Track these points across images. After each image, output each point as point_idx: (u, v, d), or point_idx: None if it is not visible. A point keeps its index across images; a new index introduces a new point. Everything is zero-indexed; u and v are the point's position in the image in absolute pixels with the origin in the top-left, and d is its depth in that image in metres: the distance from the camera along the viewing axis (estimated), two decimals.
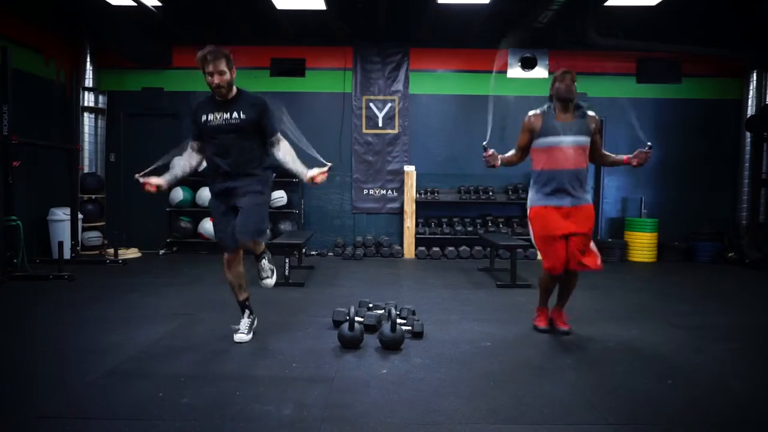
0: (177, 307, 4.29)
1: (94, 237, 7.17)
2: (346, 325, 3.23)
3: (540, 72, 7.77)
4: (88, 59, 7.42)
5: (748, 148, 7.48)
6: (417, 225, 7.57)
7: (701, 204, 7.80)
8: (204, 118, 3.11)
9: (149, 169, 3.24)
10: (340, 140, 7.81)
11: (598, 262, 3.49)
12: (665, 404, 2.46)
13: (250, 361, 3.01)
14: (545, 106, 3.49)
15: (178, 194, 7.36)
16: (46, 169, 6.82)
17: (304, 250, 6.81)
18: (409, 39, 7.64)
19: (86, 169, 7.31)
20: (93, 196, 7.30)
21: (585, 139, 3.41)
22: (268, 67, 7.75)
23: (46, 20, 6.76)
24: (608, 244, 7.51)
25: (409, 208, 7.52)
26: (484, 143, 3.50)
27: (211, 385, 2.61)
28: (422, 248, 7.46)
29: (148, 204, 7.28)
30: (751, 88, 7.45)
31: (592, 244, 3.50)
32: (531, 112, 3.51)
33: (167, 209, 7.46)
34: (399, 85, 7.79)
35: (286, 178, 7.46)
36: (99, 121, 7.52)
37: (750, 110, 7.46)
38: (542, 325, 3.67)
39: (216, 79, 2.99)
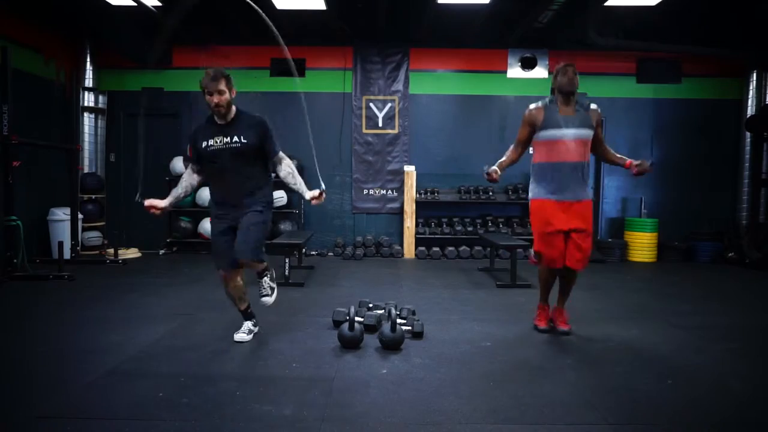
0: (177, 307, 4.29)
1: (94, 237, 7.17)
2: (346, 325, 3.23)
3: (540, 72, 7.78)
4: (88, 59, 7.42)
5: (748, 148, 7.48)
6: (417, 225, 7.57)
7: (701, 204, 7.80)
8: (204, 144, 3.10)
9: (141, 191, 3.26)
10: (340, 140, 7.81)
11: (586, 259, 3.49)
12: (665, 404, 2.46)
13: (250, 361, 3.01)
14: (547, 99, 3.49)
15: None
16: (46, 169, 6.82)
17: (304, 250, 6.81)
18: (409, 39, 7.64)
19: (86, 169, 7.31)
20: (93, 196, 7.30)
21: (587, 132, 3.41)
22: (268, 67, 7.75)
23: (46, 20, 6.76)
24: (608, 244, 7.51)
25: (409, 208, 7.52)
26: (485, 167, 3.49)
27: (211, 385, 2.61)
28: (422, 248, 7.46)
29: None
30: (751, 88, 7.45)
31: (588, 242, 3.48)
32: (532, 105, 3.50)
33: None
34: (399, 85, 7.79)
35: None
36: (99, 121, 7.52)
37: (750, 110, 7.46)
38: (542, 325, 3.67)
39: (215, 99, 3.00)
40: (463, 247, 7.38)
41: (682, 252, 7.48)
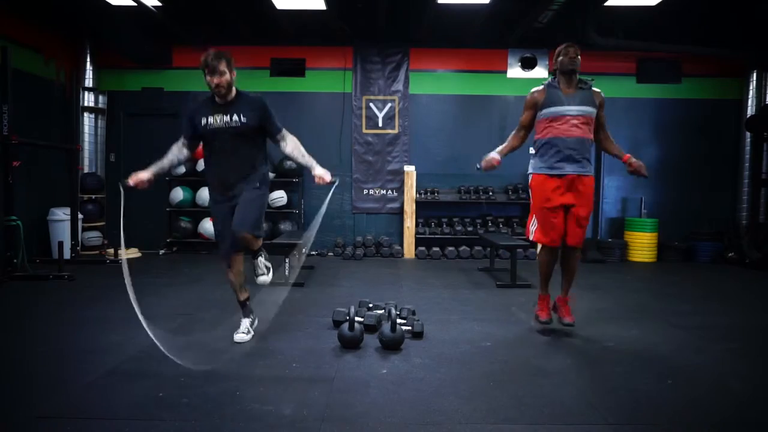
0: (177, 307, 4.29)
1: (94, 237, 7.17)
2: (346, 325, 3.23)
3: (540, 72, 7.78)
4: (88, 59, 7.43)
5: (748, 148, 7.49)
6: (417, 225, 7.57)
7: (701, 204, 7.80)
8: (204, 121, 3.11)
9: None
10: (340, 140, 7.82)
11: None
12: (665, 404, 2.46)
13: (250, 361, 3.00)
14: (548, 80, 3.49)
15: (178, 194, 7.37)
16: (46, 169, 6.82)
17: (304, 249, 6.80)
18: (409, 39, 7.64)
19: (86, 169, 7.32)
20: (93, 196, 7.30)
21: (590, 110, 3.39)
22: (268, 67, 7.75)
23: (46, 20, 6.76)
24: (608, 244, 7.51)
25: (409, 208, 7.52)
26: (477, 165, 3.51)
27: (211, 385, 2.61)
28: (422, 248, 7.46)
29: (148, 204, 7.28)
30: (751, 88, 7.45)
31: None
32: (533, 89, 3.51)
33: (167, 209, 7.47)
34: (399, 85, 7.79)
35: (286, 178, 7.48)
36: (99, 121, 7.52)
37: (750, 110, 7.46)
38: (544, 316, 3.59)
39: (216, 79, 3.00)
40: (463, 247, 7.38)
41: (682, 252, 7.48)
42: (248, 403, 2.38)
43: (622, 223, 7.75)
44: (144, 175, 3.12)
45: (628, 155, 3.48)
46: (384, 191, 7.88)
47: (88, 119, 7.39)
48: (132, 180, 3.12)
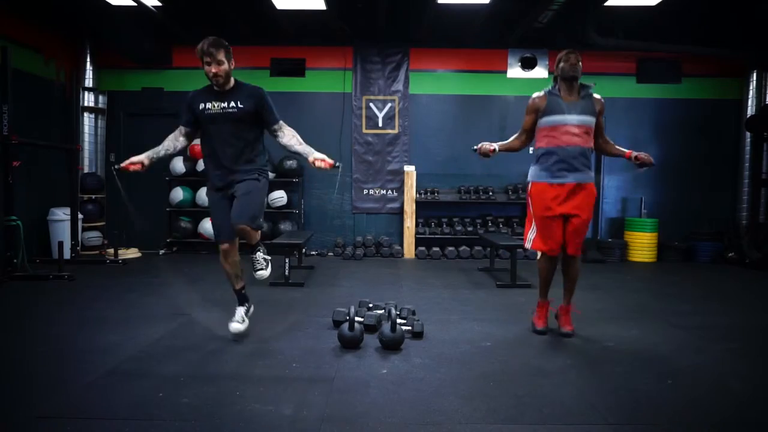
0: (177, 307, 4.29)
1: (94, 237, 7.17)
2: (346, 325, 3.23)
3: (540, 72, 7.78)
4: (88, 59, 7.42)
5: (748, 148, 7.48)
6: (417, 225, 7.57)
7: (701, 204, 7.80)
8: (202, 106, 3.13)
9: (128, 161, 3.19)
10: (340, 140, 7.81)
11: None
12: (665, 404, 2.46)
13: (250, 361, 3.00)
14: (549, 87, 3.49)
15: (178, 194, 7.37)
16: (46, 169, 6.81)
17: (304, 250, 6.81)
18: (409, 39, 7.64)
19: (86, 169, 7.31)
20: (93, 196, 7.30)
21: (590, 119, 3.39)
22: (268, 67, 7.75)
23: (46, 20, 6.76)
24: (608, 244, 7.51)
25: (409, 208, 7.52)
26: (474, 147, 3.50)
27: (211, 385, 2.61)
28: (422, 248, 7.46)
29: (148, 204, 7.29)
30: (751, 88, 7.45)
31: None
32: (535, 94, 3.50)
33: (167, 209, 7.47)
34: (399, 85, 7.79)
35: (286, 179, 7.48)
36: (99, 121, 7.52)
37: (750, 110, 7.46)
38: (540, 325, 3.62)
39: (214, 68, 3.01)
40: (463, 247, 7.38)
41: (682, 252, 7.48)
42: (248, 403, 2.38)
43: (622, 223, 7.75)
44: (137, 158, 3.10)
45: (630, 151, 3.46)
46: (384, 191, 7.88)
47: (88, 119, 7.38)
48: (124, 164, 3.08)
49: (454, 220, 7.61)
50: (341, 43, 7.64)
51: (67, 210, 6.72)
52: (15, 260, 5.45)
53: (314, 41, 7.61)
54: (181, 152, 3.32)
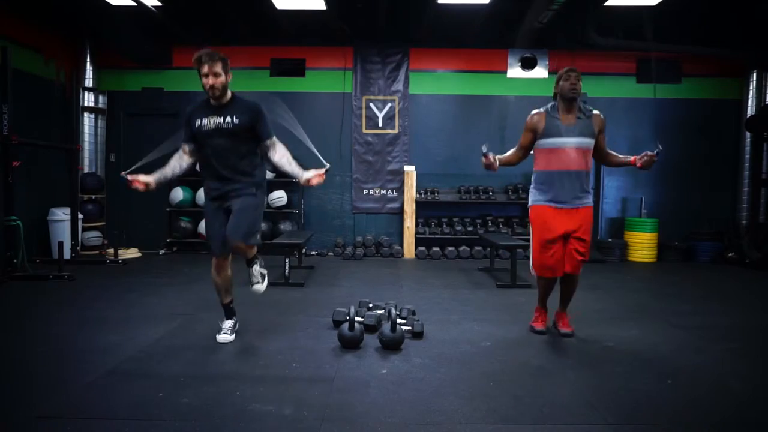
0: (177, 307, 4.29)
1: (94, 237, 7.17)
2: (346, 325, 3.23)
3: (540, 72, 7.78)
4: (88, 59, 7.42)
5: (748, 148, 7.49)
6: (417, 225, 7.57)
7: (701, 204, 7.80)
8: (198, 122, 3.12)
9: (137, 165, 3.23)
10: (340, 140, 7.81)
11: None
12: (665, 404, 2.46)
13: (250, 361, 3.01)
14: (549, 105, 3.46)
15: (178, 194, 7.37)
16: (46, 169, 6.81)
17: (304, 250, 6.81)
18: (409, 39, 7.64)
19: (86, 169, 7.32)
20: (93, 196, 7.30)
21: (588, 141, 3.37)
22: (268, 67, 7.75)
23: (46, 20, 6.76)
24: (608, 244, 7.51)
25: (409, 208, 7.52)
26: (484, 148, 3.39)
27: (211, 385, 2.61)
28: (422, 248, 7.46)
29: (148, 204, 7.28)
30: (751, 88, 7.45)
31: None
32: (534, 111, 3.48)
33: (167, 209, 7.47)
34: (399, 85, 7.79)
35: (286, 178, 7.47)
36: (99, 121, 7.52)
37: (750, 110, 7.46)
38: (539, 326, 3.63)
39: (210, 80, 3.00)
40: (463, 247, 7.38)
41: (682, 252, 7.48)
42: (248, 403, 2.38)
43: (622, 223, 7.75)
44: (145, 177, 3.15)
45: (634, 158, 3.44)
46: (384, 191, 7.88)
47: (88, 119, 7.39)
48: (132, 177, 3.13)
49: (454, 220, 7.61)
50: (341, 43, 7.64)
51: (67, 210, 6.72)
52: (15, 260, 5.45)
53: (314, 41, 7.61)
54: (188, 171, 3.32)
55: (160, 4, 6.28)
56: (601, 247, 7.46)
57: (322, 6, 6.23)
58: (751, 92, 7.46)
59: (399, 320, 3.53)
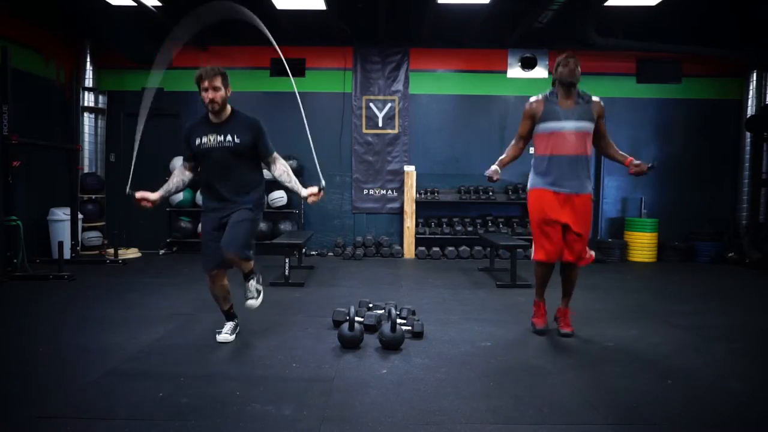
0: (177, 307, 4.29)
1: (94, 237, 7.17)
2: (346, 325, 3.23)
3: (540, 72, 7.78)
4: (88, 59, 7.43)
5: (748, 148, 7.49)
6: (417, 225, 7.57)
7: (701, 204, 7.80)
8: (198, 141, 3.11)
9: (130, 178, 3.25)
10: (340, 140, 7.81)
11: (592, 254, 3.50)
12: (665, 404, 2.46)
13: (250, 361, 3.01)
14: (547, 92, 3.46)
15: (178, 194, 7.36)
16: (46, 169, 6.81)
17: (304, 250, 6.81)
18: (409, 39, 7.64)
19: (86, 169, 7.32)
20: (93, 196, 7.30)
21: (588, 125, 3.37)
22: (268, 67, 7.75)
23: (46, 20, 6.76)
24: (608, 244, 7.51)
25: (409, 208, 7.52)
26: (486, 172, 3.48)
27: (211, 385, 2.61)
28: (422, 248, 7.46)
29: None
30: (751, 88, 7.45)
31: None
32: (532, 99, 3.48)
33: (167, 209, 7.47)
34: (399, 85, 7.79)
35: None
36: (99, 121, 7.52)
37: (750, 110, 7.46)
38: (540, 324, 3.62)
39: (210, 94, 3.00)
40: (463, 247, 7.38)
41: (682, 252, 7.48)
42: (248, 403, 2.38)
43: (622, 223, 7.75)
44: (151, 195, 3.16)
45: (630, 159, 3.46)
46: (384, 191, 7.88)
47: (88, 119, 7.39)
48: (139, 194, 3.14)
49: (454, 220, 7.61)
50: (341, 43, 7.64)
51: (67, 210, 6.72)
52: (15, 260, 5.45)
53: (314, 41, 7.61)
54: (190, 184, 3.34)
55: (160, 4, 6.28)
56: (601, 247, 7.46)
57: (322, 6, 6.23)
58: (751, 92, 7.46)
59: (399, 320, 3.53)
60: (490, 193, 7.52)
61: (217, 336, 3.33)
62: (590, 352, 3.24)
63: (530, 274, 5.68)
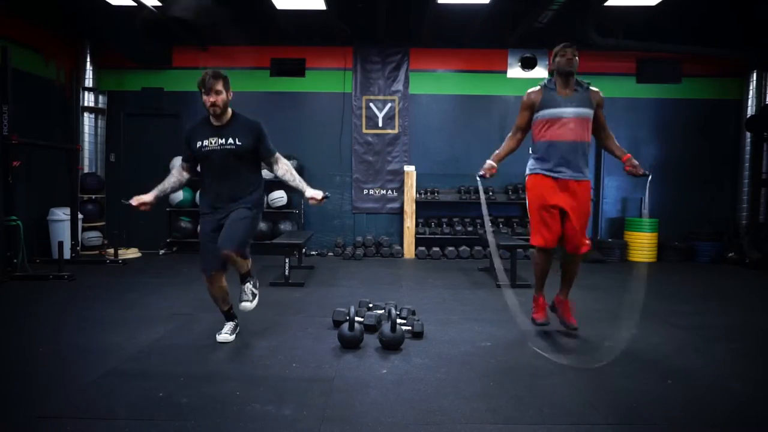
0: (177, 307, 4.29)
1: (94, 237, 7.17)
2: (346, 325, 3.23)
3: (540, 72, 7.78)
4: (88, 59, 7.43)
5: (748, 148, 7.49)
6: (417, 225, 7.57)
7: (701, 204, 7.80)
8: (199, 143, 3.11)
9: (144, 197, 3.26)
10: (340, 140, 7.81)
11: (588, 242, 3.47)
12: (665, 404, 2.46)
13: (250, 361, 3.01)
14: (545, 81, 3.46)
15: (178, 194, 7.35)
16: (46, 169, 6.81)
17: (304, 250, 6.81)
18: (409, 39, 7.64)
19: (86, 169, 7.32)
20: (93, 196, 7.30)
21: (587, 111, 3.35)
22: (268, 67, 7.75)
23: (46, 20, 6.76)
24: (608, 244, 7.51)
25: (409, 208, 7.52)
26: (479, 174, 3.51)
27: (211, 385, 2.61)
28: (422, 248, 7.46)
29: None
30: (751, 88, 7.46)
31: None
32: (530, 89, 3.46)
33: (167, 209, 7.47)
34: (399, 85, 7.79)
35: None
36: (99, 121, 7.52)
37: (750, 110, 7.47)
38: (541, 318, 3.58)
39: (212, 98, 3.01)
40: (463, 247, 7.38)
41: (682, 252, 7.48)
42: (248, 403, 2.38)
43: (622, 223, 7.75)
44: (146, 197, 3.16)
45: (628, 155, 3.45)
46: (384, 191, 7.88)
47: (88, 119, 7.39)
48: (134, 201, 3.15)
49: (454, 220, 7.61)
50: (341, 43, 7.64)
51: (67, 210, 6.72)
52: (15, 260, 5.45)
53: (314, 41, 7.61)
54: (189, 184, 3.34)
55: (160, 4, 6.28)
56: (601, 247, 7.46)
57: (322, 6, 6.23)
58: (751, 92, 7.46)
59: (399, 320, 3.53)
60: (490, 193, 7.51)
61: (217, 336, 3.33)
62: (590, 352, 3.23)
63: (530, 274, 5.67)
